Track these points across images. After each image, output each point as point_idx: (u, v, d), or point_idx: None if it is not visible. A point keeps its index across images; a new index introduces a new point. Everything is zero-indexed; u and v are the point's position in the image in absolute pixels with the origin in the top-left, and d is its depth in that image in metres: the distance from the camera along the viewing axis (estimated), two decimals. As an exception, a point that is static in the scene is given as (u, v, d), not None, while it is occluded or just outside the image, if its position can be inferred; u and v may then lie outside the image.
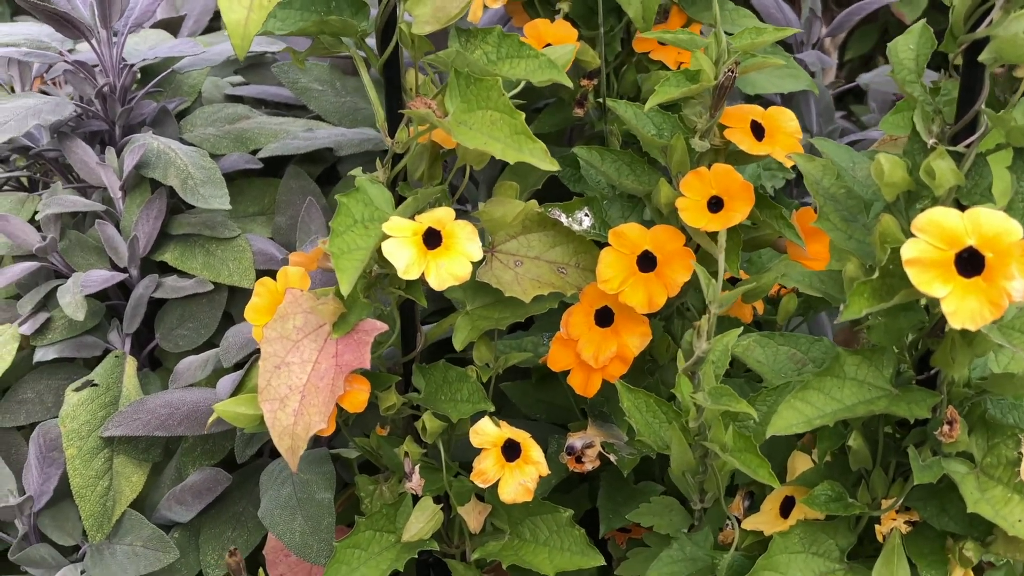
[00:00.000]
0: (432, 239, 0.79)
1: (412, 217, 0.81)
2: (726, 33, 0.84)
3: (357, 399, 0.86)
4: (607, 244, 0.89)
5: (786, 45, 1.55)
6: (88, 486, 1.00)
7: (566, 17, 1.07)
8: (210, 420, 0.94)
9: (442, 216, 0.80)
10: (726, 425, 0.75)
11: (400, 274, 0.77)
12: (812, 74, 1.54)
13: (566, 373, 0.92)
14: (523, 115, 0.77)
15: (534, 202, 0.88)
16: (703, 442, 0.74)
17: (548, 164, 0.76)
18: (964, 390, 0.73)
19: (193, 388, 1.06)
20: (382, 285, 0.91)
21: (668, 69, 1.09)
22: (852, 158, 0.76)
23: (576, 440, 0.93)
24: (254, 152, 1.25)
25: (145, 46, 1.27)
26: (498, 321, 0.92)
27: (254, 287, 0.91)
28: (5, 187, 1.37)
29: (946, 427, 0.70)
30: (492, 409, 0.91)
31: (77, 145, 1.13)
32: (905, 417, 0.71)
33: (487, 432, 0.87)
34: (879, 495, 0.77)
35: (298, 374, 0.86)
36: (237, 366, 1.04)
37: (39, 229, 1.12)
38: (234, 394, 0.96)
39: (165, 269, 1.16)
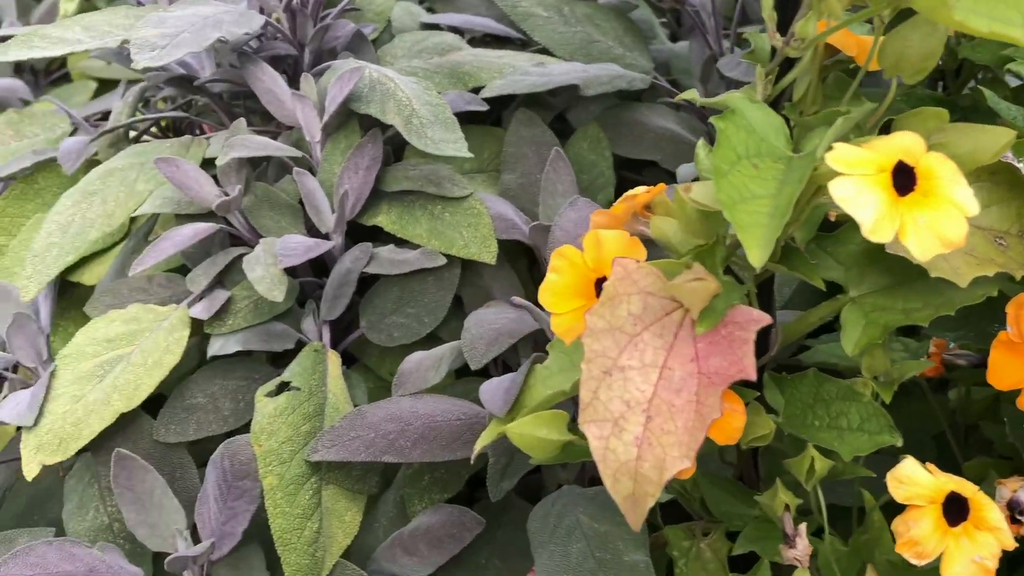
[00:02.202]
0: (903, 180, 0.50)
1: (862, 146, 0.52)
2: None
3: (731, 426, 0.58)
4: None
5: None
6: (294, 529, 0.73)
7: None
8: (478, 446, 0.66)
9: (911, 145, 0.51)
10: None
11: (867, 233, 0.48)
12: None
13: (1013, 394, 0.62)
14: (1066, -18, 0.48)
15: (1011, 132, 0.58)
16: None
17: (1114, 59, 0.47)
18: None
19: (425, 396, 0.78)
20: (736, 256, 0.62)
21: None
22: None
23: (1019, 492, 0.64)
24: (474, 92, 0.97)
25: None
26: (909, 314, 0.63)
27: (551, 258, 0.63)
28: (144, 137, 1.10)
29: None
30: (900, 443, 0.62)
31: (263, 71, 0.86)
32: None
33: (918, 481, 0.58)
34: None
35: (639, 385, 0.57)
36: (478, 374, 0.77)
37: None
38: (513, 409, 0.67)
39: (370, 236, 0.88)
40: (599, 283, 0.63)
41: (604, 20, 1.07)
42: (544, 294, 0.63)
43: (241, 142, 0.81)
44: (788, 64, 0.59)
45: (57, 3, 2.01)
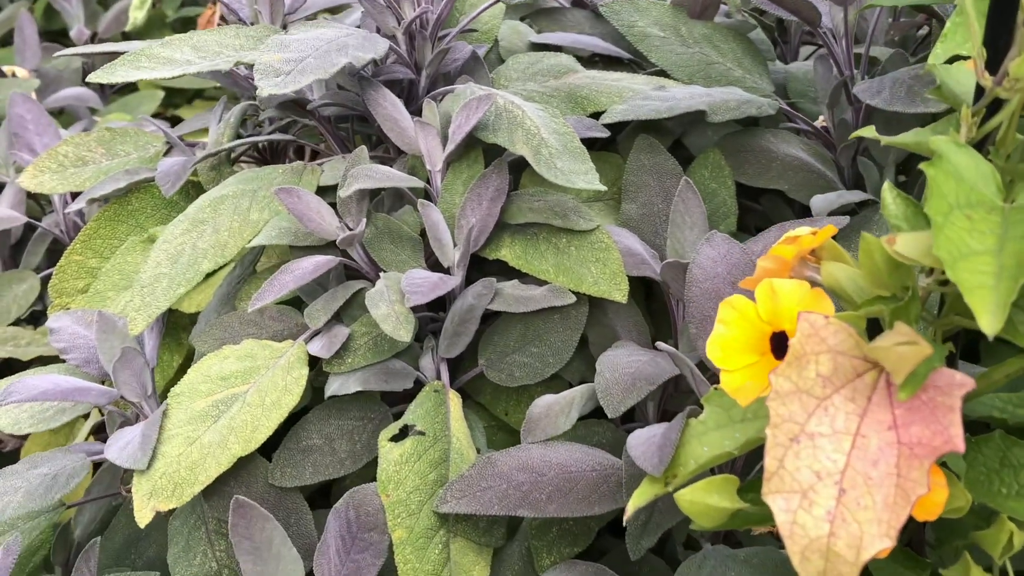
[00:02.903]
0: None
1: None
2: None
3: (933, 501, 0.53)
4: None
5: None
6: (425, 586, 0.69)
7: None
8: (633, 503, 0.62)
9: None
10: None
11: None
12: None
13: None
14: None
15: None
16: None
17: None
18: None
19: (556, 444, 0.73)
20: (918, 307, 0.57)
21: None
22: None
23: None
24: (595, 116, 0.92)
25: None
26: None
27: (720, 308, 0.59)
28: (243, 159, 1.07)
29: None
30: (1102, 516, 0.57)
31: (384, 96, 0.82)
32: None
33: None
34: None
35: (830, 453, 0.53)
36: (626, 417, 0.72)
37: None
38: (671, 467, 0.63)
39: (486, 272, 0.84)
40: (775, 338, 0.58)
41: (723, 41, 1.02)
42: (713, 348, 0.59)
43: (365, 172, 0.77)
44: (994, 105, 0.54)
45: (126, 10, 1.99)
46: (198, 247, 0.82)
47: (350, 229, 0.76)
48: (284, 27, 1.02)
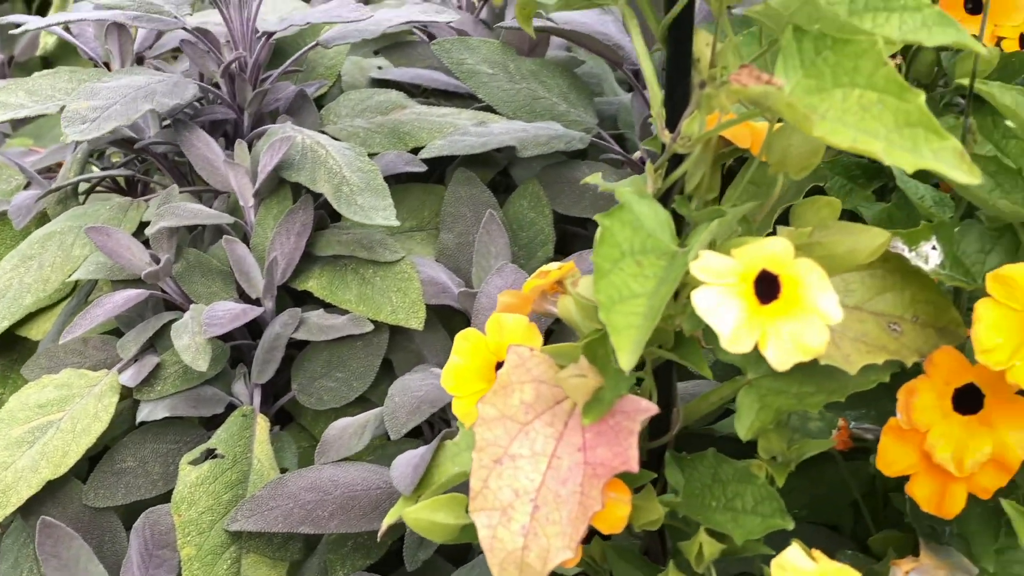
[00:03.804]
0: (766, 288, 0.51)
1: (726, 251, 0.53)
2: None
3: (615, 516, 0.59)
4: (962, 290, 0.61)
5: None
6: (210, 599, 0.74)
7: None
8: (385, 524, 0.67)
9: (779, 252, 0.52)
10: None
11: (725, 344, 0.49)
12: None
13: (901, 479, 0.63)
14: (921, 95, 0.49)
15: (887, 233, 0.59)
16: None
17: (966, 174, 0.48)
18: None
19: (347, 464, 0.79)
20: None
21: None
22: None
23: (913, 574, 0.65)
24: (414, 151, 0.98)
25: (275, 14, 1.01)
26: (801, 399, 0.64)
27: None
28: (98, 188, 1.12)
29: None
30: (791, 526, 0.63)
31: (198, 137, 0.87)
32: None
33: (799, 569, 0.59)
34: None
35: (528, 473, 0.59)
36: (410, 436, 0.78)
37: (146, 245, 0.86)
38: (419, 488, 0.69)
39: (302, 300, 0.89)
40: (499, 367, 0.64)
41: (550, 77, 1.08)
42: (446, 376, 0.64)
43: (171, 211, 0.82)
44: (681, 157, 0.60)
45: (38, 36, 2.03)
46: (24, 282, 0.87)
47: (158, 264, 0.81)
48: (140, 61, 1.07)
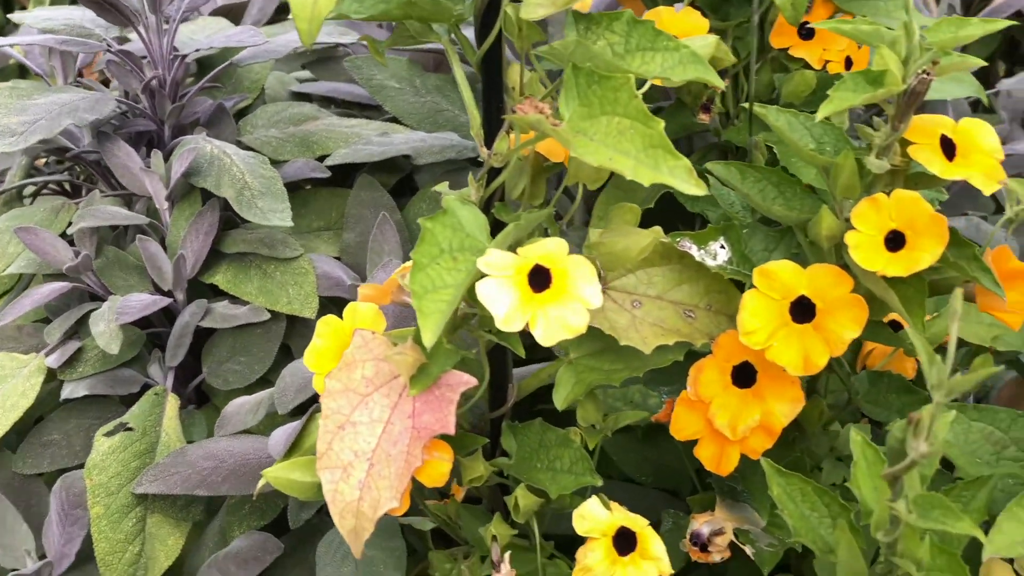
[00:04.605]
0: (539, 279, 0.62)
1: (513, 249, 0.64)
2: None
3: (437, 471, 0.69)
4: (746, 283, 0.72)
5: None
6: (115, 552, 0.85)
7: (692, 5, 0.90)
8: (258, 486, 0.78)
9: (553, 250, 0.63)
10: (921, 535, 0.57)
11: (499, 324, 0.61)
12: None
13: (692, 443, 0.74)
14: (661, 123, 0.60)
15: (659, 230, 0.71)
16: (892, 557, 0.56)
17: (694, 187, 0.59)
18: None
19: (243, 436, 0.90)
20: (469, 325, 0.74)
21: (811, 68, 0.92)
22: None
23: (703, 525, 0.76)
24: (322, 159, 1.09)
25: (203, 35, 1.12)
26: (609, 375, 0.75)
27: (317, 320, 0.76)
28: (44, 191, 1.23)
29: None
30: (599, 483, 0.74)
31: (118, 147, 0.98)
32: None
33: (595, 518, 0.70)
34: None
35: (366, 437, 0.70)
36: (296, 412, 0.88)
37: (72, 243, 0.97)
38: (290, 453, 0.80)
39: (217, 293, 1.00)
40: (352, 349, 0.75)
41: (453, 91, 1.19)
42: (308, 356, 0.75)
43: (91, 213, 0.93)
44: (495, 172, 0.71)
45: None
46: (-36, 277, 0.98)
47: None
48: (80, 75, 1.18)
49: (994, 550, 0.53)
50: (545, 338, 0.61)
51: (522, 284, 0.62)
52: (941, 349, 0.84)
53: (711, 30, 0.89)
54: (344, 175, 1.12)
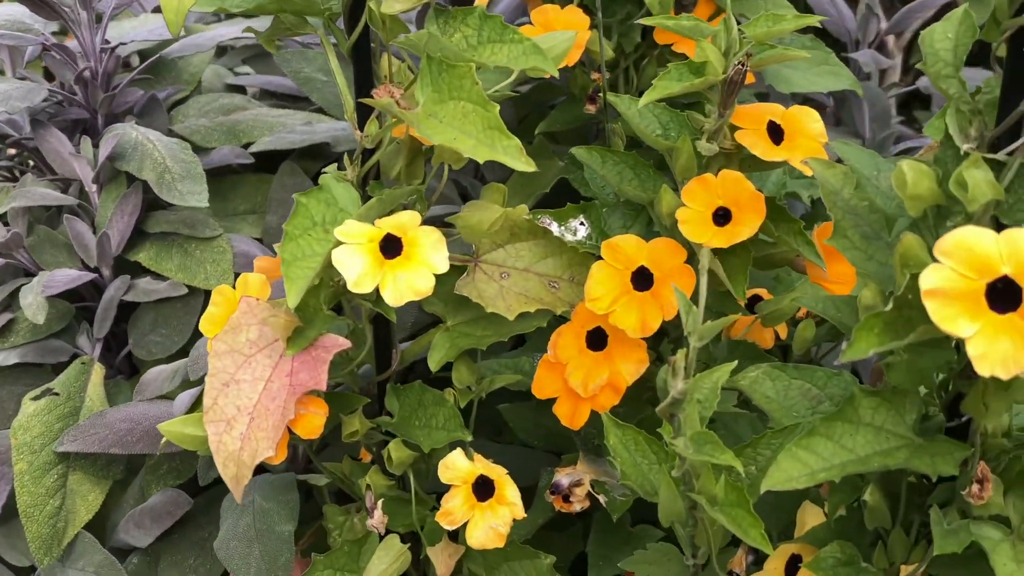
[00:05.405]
0: (391, 247, 0.69)
1: (374, 222, 0.72)
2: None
3: (311, 424, 0.77)
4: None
5: (839, 44, 1.43)
6: (36, 505, 0.92)
7: (580, 4, 0.97)
8: (162, 442, 0.85)
9: (404, 221, 0.70)
10: (717, 474, 0.64)
11: (350, 286, 0.68)
12: (867, 75, 1.42)
13: (553, 401, 0.81)
14: (497, 107, 0.67)
15: (523, 208, 0.78)
16: (689, 493, 0.64)
17: (522, 164, 0.66)
18: (1001, 441, 0.62)
19: (159, 401, 0.97)
20: (351, 296, 0.81)
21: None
22: (877, 165, 0.65)
23: (563, 477, 0.83)
24: (247, 146, 1.16)
25: (144, 30, 1.19)
26: (480, 340, 0.82)
27: (212, 294, 0.83)
28: (-3, 177, 1.30)
29: (976, 486, 0.59)
30: (469, 439, 0.81)
31: (51, 134, 1.05)
32: (928, 473, 0.60)
33: (457, 467, 0.77)
34: (898, 560, 0.66)
35: (248, 393, 0.77)
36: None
37: (7, 223, 1.04)
38: (191, 411, 0.87)
39: (143, 270, 1.07)
40: (242, 315, 0.82)
41: (377, 83, 1.26)
42: (204, 322, 0.82)
43: (23, 194, 1.01)
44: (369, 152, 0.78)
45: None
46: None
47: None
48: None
49: (770, 484, 0.60)
50: (394, 298, 0.68)
51: (373, 251, 0.69)
52: (796, 321, 0.92)
53: (596, 26, 0.96)
54: (274, 163, 1.19)
